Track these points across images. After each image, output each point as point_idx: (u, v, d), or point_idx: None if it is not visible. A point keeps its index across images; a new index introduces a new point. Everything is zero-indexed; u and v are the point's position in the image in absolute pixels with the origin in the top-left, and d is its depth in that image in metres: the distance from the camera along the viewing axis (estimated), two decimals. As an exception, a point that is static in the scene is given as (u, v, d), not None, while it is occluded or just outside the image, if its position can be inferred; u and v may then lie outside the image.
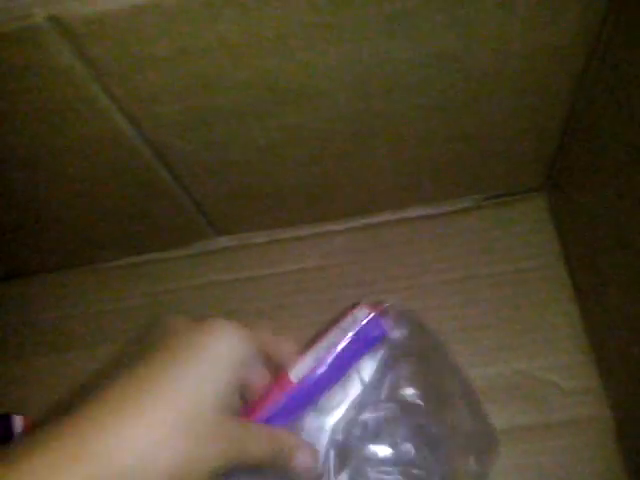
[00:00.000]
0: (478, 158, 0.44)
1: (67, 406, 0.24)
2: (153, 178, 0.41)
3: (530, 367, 0.44)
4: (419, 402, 0.37)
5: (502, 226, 0.48)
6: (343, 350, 0.33)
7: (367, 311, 0.34)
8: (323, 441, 0.35)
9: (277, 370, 0.33)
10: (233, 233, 0.51)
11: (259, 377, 0.31)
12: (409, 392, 0.37)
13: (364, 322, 0.34)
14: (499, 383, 0.44)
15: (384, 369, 0.36)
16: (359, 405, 0.36)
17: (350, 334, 0.33)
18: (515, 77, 0.36)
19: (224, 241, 0.51)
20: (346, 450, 0.35)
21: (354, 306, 0.35)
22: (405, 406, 0.36)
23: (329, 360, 0.33)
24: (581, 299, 0.45)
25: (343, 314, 0.35)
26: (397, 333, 0.37)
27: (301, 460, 0.30)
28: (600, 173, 0.39)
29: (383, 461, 0.35)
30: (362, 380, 0.36)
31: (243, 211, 0.48)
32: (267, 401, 0.32)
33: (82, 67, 0.31)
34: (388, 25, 0.31)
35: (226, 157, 0.39)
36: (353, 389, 0.36)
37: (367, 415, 0.36)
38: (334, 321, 0.35)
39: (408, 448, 0.36)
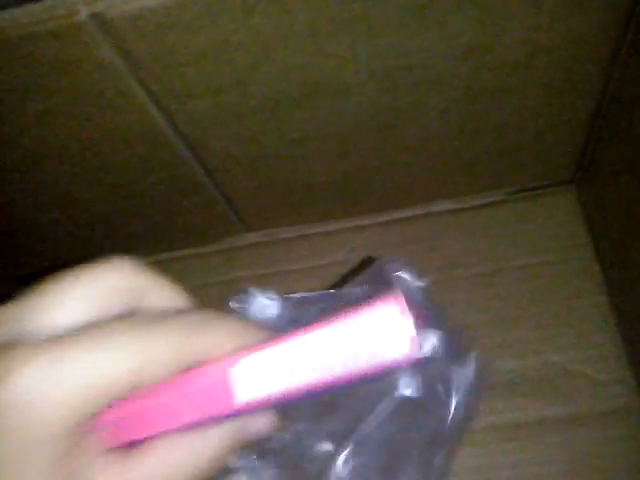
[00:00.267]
0: (507, 151, 0.44)
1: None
2: (186, 173, 0.42)
3: (561, 359, 0.44)
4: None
5: (531, 219, 0.48)
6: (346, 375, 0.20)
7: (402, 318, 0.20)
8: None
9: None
10: (262, 229, 0.52)
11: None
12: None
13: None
14: (530, 375, 0.44)
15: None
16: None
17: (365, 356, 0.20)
18: (544, 69, 0.36)
19: (253, 237, 0.52)
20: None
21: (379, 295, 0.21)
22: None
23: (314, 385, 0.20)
24: (611, 291, 0.45)
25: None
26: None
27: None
28: (631, 165, 0.39)
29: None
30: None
31: (272, 206, 0.49)
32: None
33: (121, 62, 0.32)
34: (417, 18, 0.31)
35: (257, 151, 0.40)
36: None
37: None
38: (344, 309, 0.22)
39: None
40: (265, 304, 0.27)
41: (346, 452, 0.26)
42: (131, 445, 0.22)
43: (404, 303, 0.20)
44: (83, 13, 0.28)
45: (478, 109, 0.39)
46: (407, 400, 0.24)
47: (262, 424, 0.24)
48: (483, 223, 0.49)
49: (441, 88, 0.36)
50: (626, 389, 0.43)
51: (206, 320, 0.22)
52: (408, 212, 0.50)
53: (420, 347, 0.20)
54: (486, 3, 0.31)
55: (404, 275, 0.26)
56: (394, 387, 0.24)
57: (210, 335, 0.21)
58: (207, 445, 0.22)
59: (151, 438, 0.21)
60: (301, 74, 0.34)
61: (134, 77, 0.33)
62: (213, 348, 0.21)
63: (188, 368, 0.20)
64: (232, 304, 0.27)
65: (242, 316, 0.25)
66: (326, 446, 0.27)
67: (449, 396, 0.27)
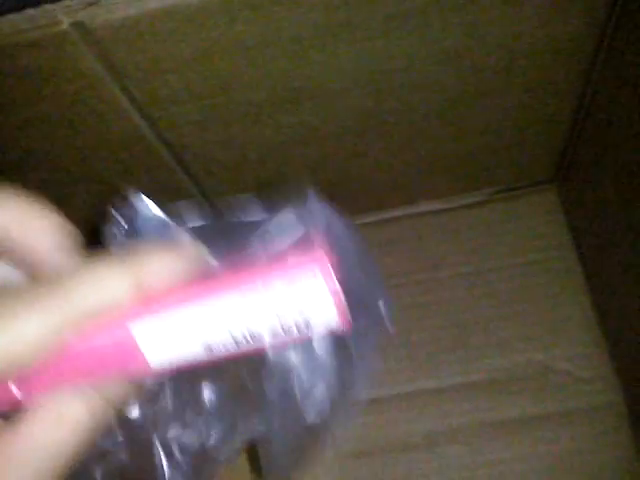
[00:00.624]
0: (489, 152, 0.45)
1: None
2: (169, 177, 0.42)
3: (544, 357, 0.45)
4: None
5: (514, 219, 0.49)
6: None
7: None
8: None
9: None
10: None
11: None
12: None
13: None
14: (515, 373, 0.45)
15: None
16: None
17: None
18: (524, 72, 0.36)
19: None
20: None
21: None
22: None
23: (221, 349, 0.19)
24: (593, 290, 0.46)
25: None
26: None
27: None
28: (610, 165, 0.40)
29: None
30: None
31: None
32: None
33: (103, 70, 0.31)
34: (400, 24, 0.31)
35: (241, 156, 0.40)
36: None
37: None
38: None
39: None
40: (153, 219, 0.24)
41: None
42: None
43: (332, 274, 0.18)
44: (65, 23, 0.28)
45: (460, 112, 0.39)
46: None
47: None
48: (466, 223, 0.49)
49: (423, 92, 0.37)
50: (608, 385, 0.43)
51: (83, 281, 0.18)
52: (393, 213, 0.50)
53: (347, 315, 0.19)
54: (467, 9, 0.31)
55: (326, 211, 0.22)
56: None
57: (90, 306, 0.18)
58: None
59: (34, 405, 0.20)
60: (284, 80, 0.34)
61: (117, 85, 0.33)
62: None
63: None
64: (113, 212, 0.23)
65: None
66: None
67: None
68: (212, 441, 0.27)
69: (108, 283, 0.18)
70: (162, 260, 0.19)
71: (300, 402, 0.26)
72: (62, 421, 0.21)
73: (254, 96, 0.35)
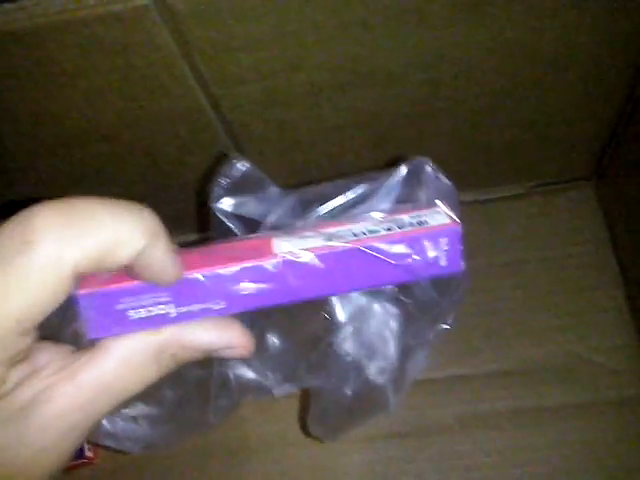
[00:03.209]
0: (534, 145, 0.46)
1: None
2: (224, 156, 0.43)
3: (578, 348, 0.46)
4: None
5: (551, 213, 0.50)
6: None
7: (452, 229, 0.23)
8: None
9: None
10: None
11: None
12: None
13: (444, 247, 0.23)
14: (548, 363, 0.46)
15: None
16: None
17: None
18: (580, 66, 0.37)
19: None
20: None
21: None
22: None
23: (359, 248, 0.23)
24: (627, 284, 0.47)
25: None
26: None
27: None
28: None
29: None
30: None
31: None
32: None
33: (176, 46, 0.32)
34: (468, 13, 0.32)
35: (295, 137, 0.41)
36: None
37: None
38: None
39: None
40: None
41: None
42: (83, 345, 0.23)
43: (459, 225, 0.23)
44: (148, -3, 0.29)
45: (511, 103, 0.40)
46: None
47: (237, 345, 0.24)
48: (504, 215, 0.50)
49: (480, 81, 0.38)
50: (640, 378, 0.44)
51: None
52: (433, 201, 0.51)
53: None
54: (532, 1, 0.32)
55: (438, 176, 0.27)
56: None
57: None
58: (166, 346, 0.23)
59: (109, 339, 0.22)
60: (349, 63, 0.35)
61: (187, 62, 0.34)
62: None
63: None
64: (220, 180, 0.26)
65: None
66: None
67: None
68: (267, 382, 0.28)
69: None
70: None
71: (363, 363, 0.28)
72: (130, 362, 0.23)
73: (318, 78, 0.36)
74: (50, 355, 0.23)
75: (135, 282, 0.22)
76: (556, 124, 0.43)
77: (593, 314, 0.47)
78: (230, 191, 0.26)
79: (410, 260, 0.23)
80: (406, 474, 0.45)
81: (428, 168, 0.26)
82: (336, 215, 0.26)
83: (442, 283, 0.26)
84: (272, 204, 0.26)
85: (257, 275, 0.23)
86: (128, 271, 0.22)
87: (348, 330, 0.27)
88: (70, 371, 0.22)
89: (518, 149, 0.46)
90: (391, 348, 0.27)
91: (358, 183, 0.26)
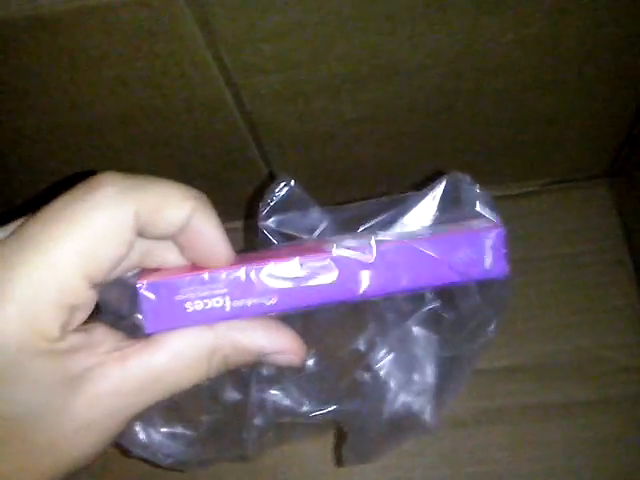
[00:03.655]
0: (550, 142, 0.46)
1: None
2: (240, 147, 0.43)
3: (590, 345, 0.46)
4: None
5: (564, 210, 0.50)
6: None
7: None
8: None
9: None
10: (301, 207, 0.53)
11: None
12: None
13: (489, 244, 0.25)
14: (561, 359, 0.46)
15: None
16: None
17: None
18: (602, 62, 0.37)
19: (292, 214, 0.53)
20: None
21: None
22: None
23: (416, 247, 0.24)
24: (641, 282, 0.47)
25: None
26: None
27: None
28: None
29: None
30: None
31: (314, 185, 0.49)
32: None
33: (201, 34, 0.32)
34: (492, 7, 0.32)
35: (313, 129, 0.41)
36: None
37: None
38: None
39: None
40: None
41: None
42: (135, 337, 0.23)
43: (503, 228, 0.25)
44: (176, -17, 0.29)
45: (532, 99, 0.40)
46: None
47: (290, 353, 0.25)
48: (519, 212, 0.50)
49: (501, 76, 0.38)
50: (652, 375, 0.44)
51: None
52: (446, 197, 0.51)
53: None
54: (555, -4, 0.32)
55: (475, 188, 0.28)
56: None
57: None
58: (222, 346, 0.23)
59: (164, 333, 0.23)
60: (371, 55, 0.35)
61: (210, 50, 0.34)
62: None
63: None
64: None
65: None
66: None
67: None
68: (304, 408, 0.28)
69: None
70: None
71: (401, 387, 0.28)
72: (182, 358, 0.23)
73: (339, 70, 0.36)
74: (106, 336, 0.23)
75: (194, 273, 0.23)
76: (575, 121, 0.43)
77: (606, 311, 0.47)
78: (276, 209, 0.27)
79: (456, 260, 0.24)
80: (418, 467, 0.45)
81: (466, 182, 0.28)
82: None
83: (484, 291, 0.26)
84: (315, 222, 0.28)
85: (309, 270, 0.24)
86: (182, 249, 0.24)
87: (386, 354, 0.28)
88: (122, 354, 0.22)
89: (534, 146, 0.46)
90: (429, 371, 0.28)
91: (397, 201, 0.28)
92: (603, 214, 0.50)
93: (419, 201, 0.28)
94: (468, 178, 0.28)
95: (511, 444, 0.44)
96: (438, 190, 0.28)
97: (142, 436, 0.27)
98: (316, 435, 0.39)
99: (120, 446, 0.26)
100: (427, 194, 0.28)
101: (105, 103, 0.37)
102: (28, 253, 0.20)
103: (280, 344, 0.24)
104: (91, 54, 0.34)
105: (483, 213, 0.27)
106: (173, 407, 0.27)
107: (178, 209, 0.22)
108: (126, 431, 0.24)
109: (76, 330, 0.22)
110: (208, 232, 0.23)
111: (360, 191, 0.51)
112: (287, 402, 0.28)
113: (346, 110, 0.39)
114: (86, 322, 0.23)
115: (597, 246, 0.49)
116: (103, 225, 0.21)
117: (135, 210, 0.21)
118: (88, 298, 0.21)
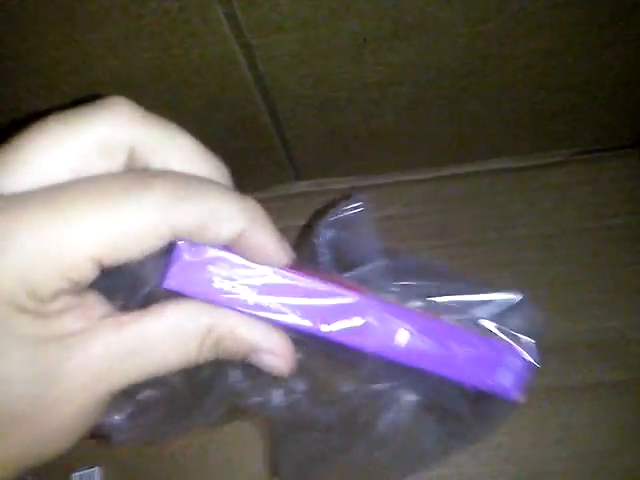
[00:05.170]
0: (578, 110, 0.43)
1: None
2: (252, 113, 0.40)
3: (618, 324, 0.44)
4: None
5: (592, 182, 0.47)
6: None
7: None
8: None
9: None
10: (314, 178, 0.51)
11: None
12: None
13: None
14: (587, 339, 0.44)
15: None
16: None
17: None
18: (637, 26, 0.34)
19: (304, 186, 0.51)
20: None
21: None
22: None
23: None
24: (672, 259, 0.45)
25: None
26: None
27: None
28: None
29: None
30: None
31: (329, 154, 0.47)
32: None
33: (212, -12, 0.30)
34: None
35: (331, 94, 0.39)
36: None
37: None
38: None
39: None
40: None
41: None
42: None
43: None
44: None
45: (563, 63, 0.37)
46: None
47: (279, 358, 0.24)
48: (544, 183, 0.48)
49: (533, 38, 0.35)
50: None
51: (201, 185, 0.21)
52: (468, 168, 0.49)
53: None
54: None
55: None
56: None
57: (200, 203, 0.20)
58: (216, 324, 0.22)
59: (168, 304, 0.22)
60: (397, 11, 0.32)
61: (222, 8, 0.31)
62: (203, 217, 0.20)
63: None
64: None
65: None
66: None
67: None
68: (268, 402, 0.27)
69: None
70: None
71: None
72: (179, 330, 0.22)
73: (362, 27, 0.33)
74: (99, 303, 0.22)
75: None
76: (607, 87, 0.40)
77: (634, 289, 0.45)
78: (337, 225, 0.26)
79: (481, 362, 0.25)
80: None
81: (531, 309, 0.28)
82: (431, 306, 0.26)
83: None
84: (370, 253, 0.26)
85: (339, 309, 0.24)
86: (235, 250, 0.23)
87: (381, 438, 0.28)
88: (117, 320, 0.21)
89: (564, 114, 0.43)
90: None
91: (463, 289, 0.27)
92: (632, 187, 0.47)
93: (485, 303, 0.28)
94: (534, 307, 0.28)
95: (535, 427, 0.42)
96: (506, 301, 0.28)
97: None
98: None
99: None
100: (496, 299, 0.28)
101: (106, 64, 0.35)
102: (47, 216, 0.19)
103: (274, 344, 0.24)
104: (92, 10, 0.31)
105: (528, 343, 0.26)
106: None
107: (228, 226, 0.21)
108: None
109: (68, 292, 0.20)
110: (263, 244, 0.22)
111: (376, 163, 0.49)
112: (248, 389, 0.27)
113: (367, 73, 0.37)
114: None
115: (625, 220, 0.46)
116: (132, 229, 0.20)
117: (172, 224, 0.20)
118: (90, 276, 0.20)
